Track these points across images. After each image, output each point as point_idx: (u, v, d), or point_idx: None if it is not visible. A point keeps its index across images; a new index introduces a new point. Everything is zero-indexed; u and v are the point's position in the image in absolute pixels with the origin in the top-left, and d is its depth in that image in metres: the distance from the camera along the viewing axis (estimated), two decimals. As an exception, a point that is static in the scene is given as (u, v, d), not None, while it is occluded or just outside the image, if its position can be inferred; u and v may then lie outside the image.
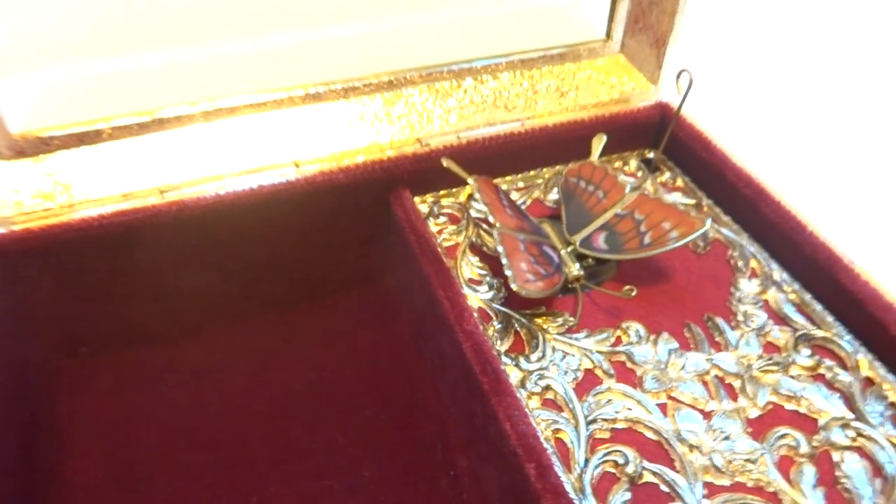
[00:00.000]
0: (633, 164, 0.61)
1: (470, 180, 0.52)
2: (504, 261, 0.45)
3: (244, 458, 0.49)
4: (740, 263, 0.52)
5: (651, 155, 0.61)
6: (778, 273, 0.51)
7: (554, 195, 0.58)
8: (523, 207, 0.57)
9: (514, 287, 0.43)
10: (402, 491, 0.47)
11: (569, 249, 0.51)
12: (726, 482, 0.39)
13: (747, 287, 0.50)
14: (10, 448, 0.42)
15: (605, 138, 0.58)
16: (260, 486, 0.48)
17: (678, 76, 0.56)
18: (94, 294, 0.50)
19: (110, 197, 0.48)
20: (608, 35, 0.63)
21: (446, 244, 0.53)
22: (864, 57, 0.95)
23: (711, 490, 0.39)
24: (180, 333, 0.54)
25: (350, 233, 0.56)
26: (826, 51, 0.96)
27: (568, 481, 0.38)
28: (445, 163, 0.53)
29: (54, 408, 0.50)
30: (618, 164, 0.61)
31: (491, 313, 0.48)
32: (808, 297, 0.49)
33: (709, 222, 0.49)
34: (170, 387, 0.52)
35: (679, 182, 0.59)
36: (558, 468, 0.39)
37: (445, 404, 0.51)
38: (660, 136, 0.60)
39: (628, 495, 0.38)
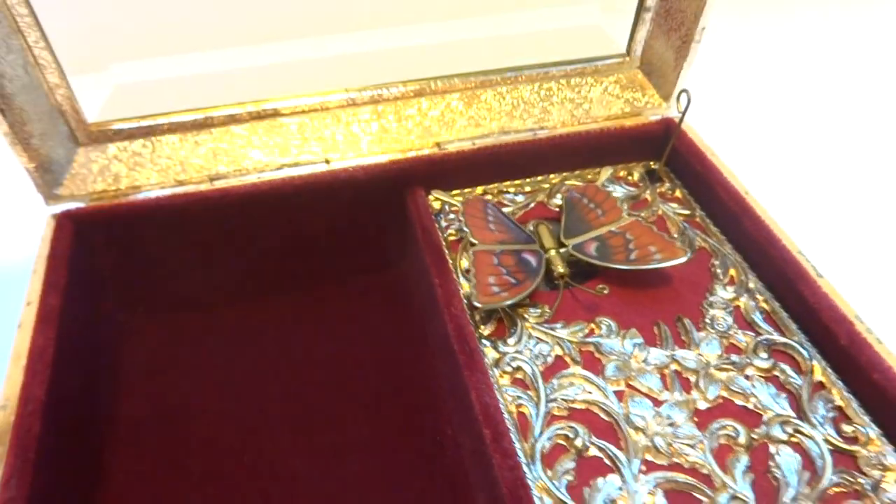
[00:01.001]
0: (637, 174, 0.65)
1: (457, 203, 0.60)
2: (472, 279, 0.52)
3: (265, 410, 0.57)
4: (720, 271, 0.56)
5: (655, 166, 0.66)
6: (753, 282, 0.55)
7: (557, 200, 0.63)
8: (528, 208, 0.62)
9: (475, 303, 0.51)
10: (393, 449, 0.54)
11: (561, 250, 0.56)
12: (664, 462, 0.44)
13: (722, 293, 0.54)
14: (79, 385, 0.51)
15: (611, 170, 0.64)
16: (275, 434, 0.56)
17: (678, 96, 0.61)
18: (150, 263, 0.59)
19: (167, 181, 0.57)
20: (628, 52, 0.67)
21: (451, 238, 0.59)
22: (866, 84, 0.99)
23: (649, 467, 0.44)
24: (219, 301, 0.63)
25: (370, 223, 0.63)
26: (830, 71, 1.01)
27: (521, 448, 0.44)
28: (434, 194, 0.61)
29: (114, 355, 0.59)
30: (622, 173, 0.66)
31: (480, 299, 0.54)
32: (777, 305, 0.53)
33: (688, 255, 0.54)
34: (208, 346, 0.61)
35: (678, 193, 0.63)
36: (514, 436, 0.45)
37: (440, 380, 0.57)
38: (664, 149, 0.64)
39: (572, 465, 0.44)
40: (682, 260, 0.54)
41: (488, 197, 0.63)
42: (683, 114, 0.60)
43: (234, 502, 0.52)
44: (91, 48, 0.52)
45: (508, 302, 0.51)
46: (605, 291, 0.53)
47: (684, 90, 0.60)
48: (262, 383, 0.59)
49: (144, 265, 0.60)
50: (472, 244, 0.56)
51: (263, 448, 0.55)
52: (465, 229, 0.57)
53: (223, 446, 0.55)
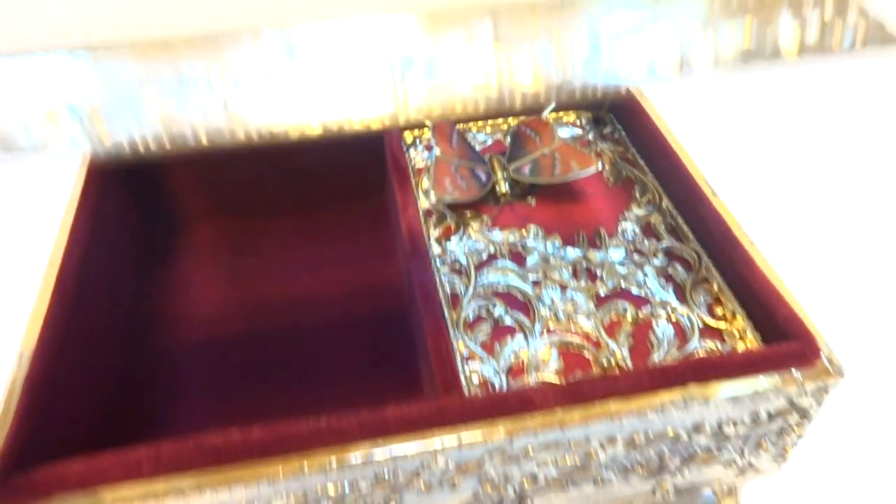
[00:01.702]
0: (585, 119, 0.76)
1: (428, 123, 0.71)
2: (431, 178, 0.65)
3: (265, 300, 0.70)
4: (639, 195, 0.66)
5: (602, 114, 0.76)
6: (666, 203, 0.65)
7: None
8: (486, 145, 0.73)
9: (432, 193, 0.62)
10: (361, 328, 0.66)
11: (504, 174, 0.67)
12: (562, 329, 0.55)
13: (637, 211, 0.64)
14: (109, 255, 0.65)
15: (553, 104, 0.74)
16: (271, 316, 0.68)
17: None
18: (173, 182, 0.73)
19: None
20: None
21: (417, 167, 0.70)
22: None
23: (550, 332, 0.54)
24: (226, 217, 0.76)
25: (355, 156, 0.75)
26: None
27: (448, 316, 0.55)
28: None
29: (137, 255, 0.73)
30: (573, 117, 0.76)
31: (433, 211, 0.65)
32: (681, 221, 0.63)
33: (599, 165, 0.66)
34: (220, 253, 0.74)
35: (616, 135, 0.74)
36: (444, 307, 0.56)
37: (403, 278, 0.69)
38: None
39: (489, 329, 0.55)
40: (595, 169, 0.64)
41: (455, 133, 0.74)
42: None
43: (238, 365, 0.64)
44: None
45: (455, 199, 0.63)
46: (532, 203, 0.64)
47: (621, 45, 0.70)
48: (262, 283, 0.72)
49: (167, 185, 0.73)
50: (437, 154, 0.67)
51: (259, 326, 0.68)
52: (432, 141, 0.68)
53: (230, 327, 0.68)
